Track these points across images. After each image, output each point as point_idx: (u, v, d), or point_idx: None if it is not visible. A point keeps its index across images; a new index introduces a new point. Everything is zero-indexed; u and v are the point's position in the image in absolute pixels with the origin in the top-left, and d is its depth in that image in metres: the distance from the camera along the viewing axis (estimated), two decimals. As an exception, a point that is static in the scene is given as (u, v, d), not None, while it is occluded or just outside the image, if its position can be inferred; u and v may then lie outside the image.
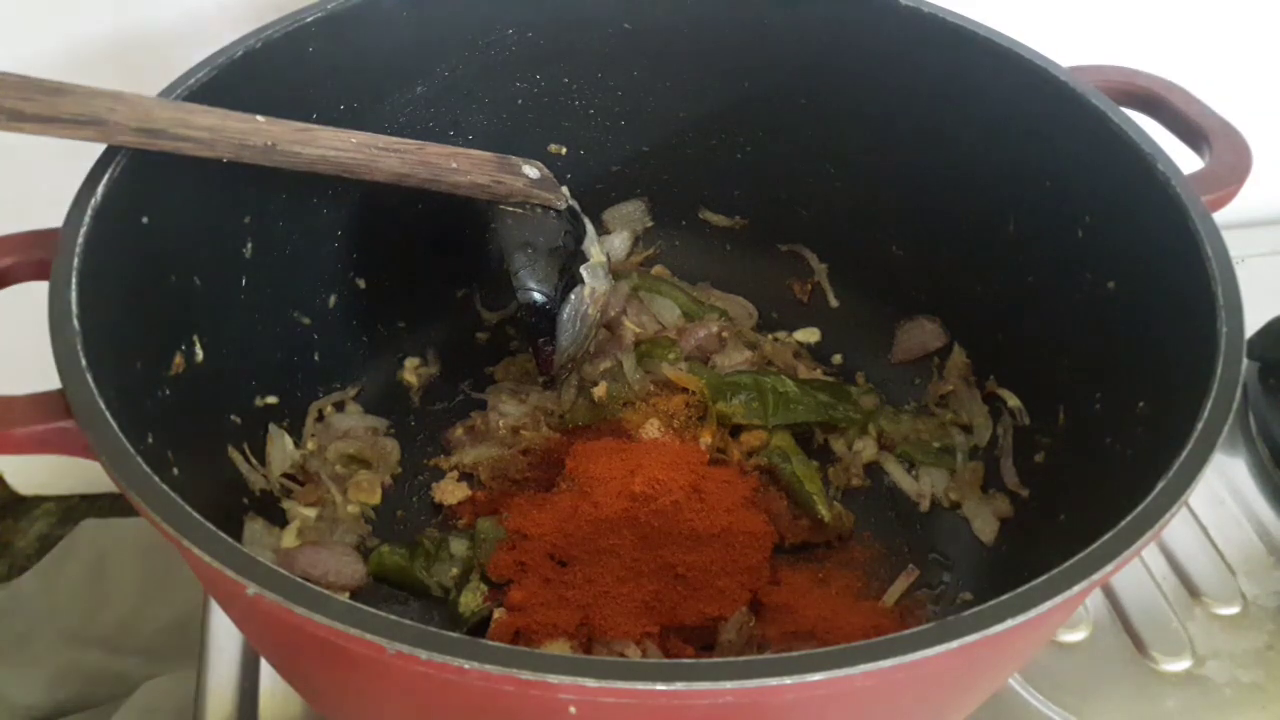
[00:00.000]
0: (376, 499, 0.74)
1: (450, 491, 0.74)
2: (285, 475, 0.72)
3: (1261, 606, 0.75)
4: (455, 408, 0.80)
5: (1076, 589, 0.42)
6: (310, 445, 0.75)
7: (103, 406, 0.47)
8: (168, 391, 0.60)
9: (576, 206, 0.77)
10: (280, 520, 0.71)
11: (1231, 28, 0.92)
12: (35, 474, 1.00)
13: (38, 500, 1.01)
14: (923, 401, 0.80)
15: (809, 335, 0.85)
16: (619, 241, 0.87)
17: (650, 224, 0.87)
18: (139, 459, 0.45)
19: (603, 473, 0.70)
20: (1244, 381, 0.55)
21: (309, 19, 0.66)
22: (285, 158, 0.61)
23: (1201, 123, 0.66)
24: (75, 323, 0.50)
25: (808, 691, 0.38)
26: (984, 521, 0.73)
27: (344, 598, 0.41)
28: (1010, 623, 0.40)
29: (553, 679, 0.37)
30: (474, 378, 0.82)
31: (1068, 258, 0.67)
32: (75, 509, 1.01)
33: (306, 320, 0.75)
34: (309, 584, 0.40)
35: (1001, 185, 0.72)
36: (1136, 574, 0.77)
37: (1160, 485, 0.46)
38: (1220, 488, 0.83)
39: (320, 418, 0.77)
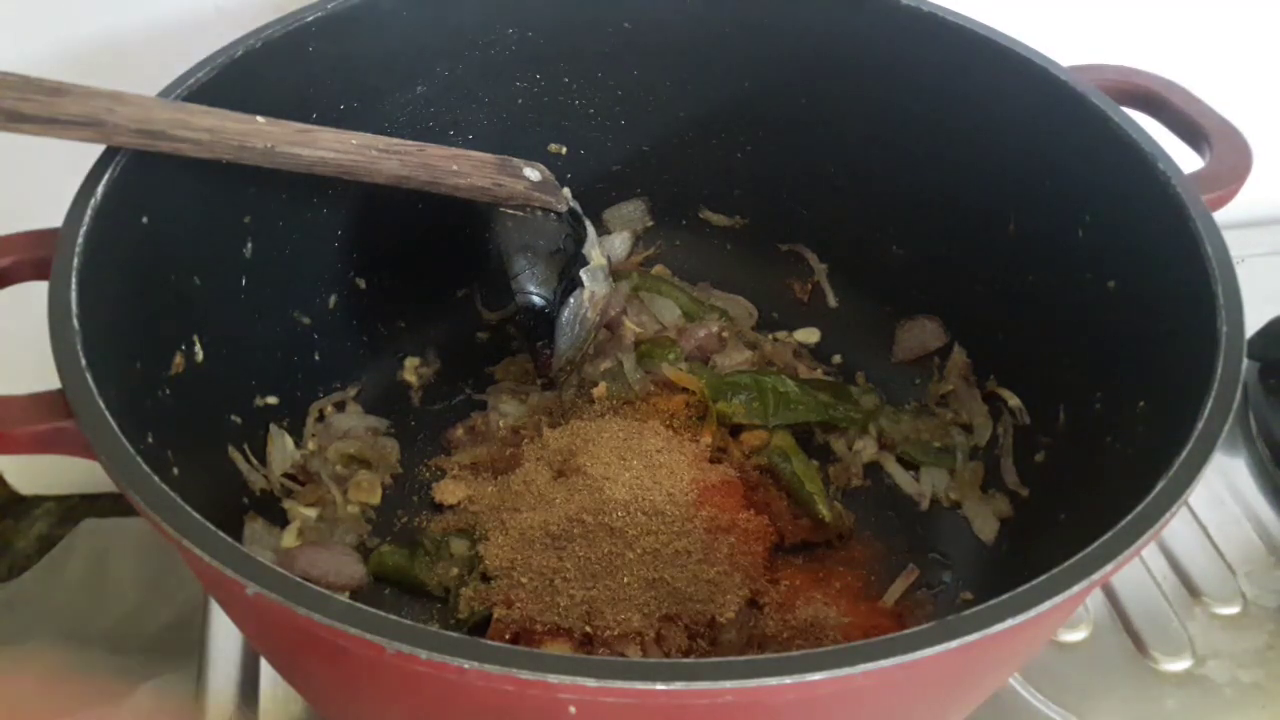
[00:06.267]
0: (376, 499, 0.74)
1: (450, 491, 0.74)
2: (285, 475, 0.73)
3: (1261, 606, 0.75)
4: (455, 408, 0.80)
5: (1076, 589, 0.42)
6: (310, 445, 0.75)
7: (103, 406, 0.47)
8: (168, 391, 0.60)
9: (578, 209, 0.77)
10: (280, 520, 0.71)
11: (1231, 28, 0.92)
12: (35, 474, 1.00)
13: (38, 500, 1.01)
14: (923, 401, 0.80)
15: (809, 335, 0.85)
16: (619, 242, 0.87)
17: (650, 224, 0.87)
18: (139, 459, 0.45)
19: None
20: (1244, 381, 0.55)
21: (309, 19, 0.66)
22: (285, 159, 0.61)
23: (1201, 122, 0.66)
24: (75, 323, 0.50)
25: (808, 691, 0.38)
26: (984, 521, 0.73)
27: (344, 598, 0.41)
28: (1010, 623, 0.40)
29: (553, 679, 0.37)
30: (474, 378, 0.82)
31: (1068, 257, 0.67)
32: (75, 509, 1.00)
33: (306, 320, 0.75)
34: (309, 584, 0.40)
35: (1001, 185, 0.72)
36: (1136, 574, 0.77)
37: (1160, 485, 0.46)
38: (1220, 488, 0.83)
39: (320, 418, 0.77)
